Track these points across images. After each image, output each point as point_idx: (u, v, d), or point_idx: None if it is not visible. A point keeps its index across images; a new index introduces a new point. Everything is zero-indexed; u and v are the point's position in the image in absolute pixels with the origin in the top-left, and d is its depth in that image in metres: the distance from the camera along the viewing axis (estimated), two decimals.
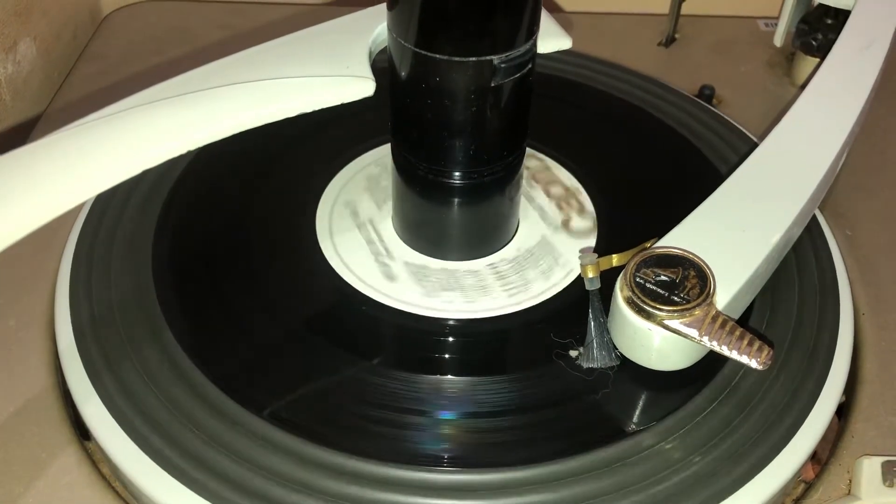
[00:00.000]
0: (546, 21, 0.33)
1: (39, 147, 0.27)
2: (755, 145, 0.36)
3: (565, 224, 0.37)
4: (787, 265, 0.35)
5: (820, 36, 0.46)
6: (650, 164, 0.40)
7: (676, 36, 0.52)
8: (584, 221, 0.37)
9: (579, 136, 0.42)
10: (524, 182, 0.36)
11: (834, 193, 0.40)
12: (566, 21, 0.50)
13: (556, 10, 0.53)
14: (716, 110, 0.44)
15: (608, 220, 0.37)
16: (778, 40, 0.49)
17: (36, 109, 0.45)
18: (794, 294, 0.34)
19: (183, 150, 0.27)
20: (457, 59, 0.28)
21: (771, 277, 0.33)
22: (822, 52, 0.46)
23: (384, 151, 0.39)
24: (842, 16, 0.44)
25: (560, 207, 0.37)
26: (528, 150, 0.34)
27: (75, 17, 0.51)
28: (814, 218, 0.37)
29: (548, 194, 0.38)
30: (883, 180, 0.42)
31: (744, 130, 0.42)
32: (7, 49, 0.43)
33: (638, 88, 0.45)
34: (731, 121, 0.43)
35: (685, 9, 0.51)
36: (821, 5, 0.45)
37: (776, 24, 0.48)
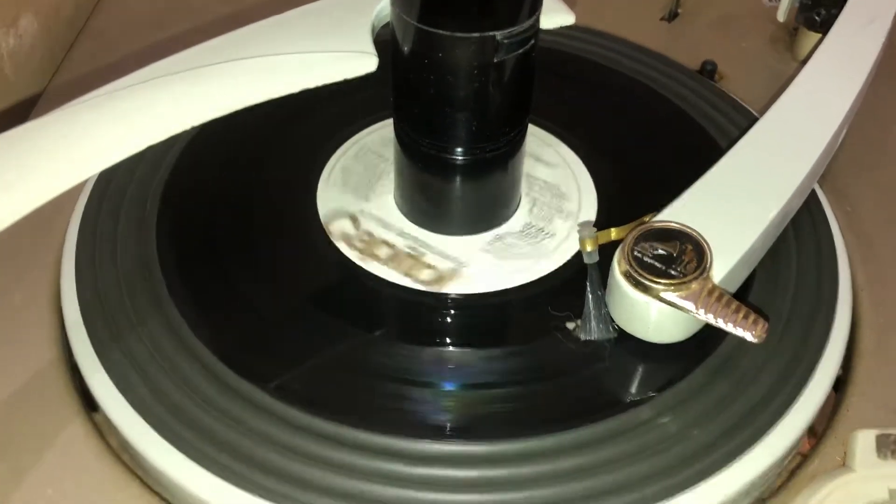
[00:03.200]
0: None
1: (42, 124, 0.27)
2: (756, 120, 0.36)
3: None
4: (786, 240, 0.35)
5: (823, 11, 0.46)
6: (651, 138, 0.41)
7: (679, 11, 0.52)
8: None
9: (580, 110, 0.42)
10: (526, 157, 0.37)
11: (834, 170, 0.41)
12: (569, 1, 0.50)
13: None
14: (717, 85, 0.44)
15: (607, 193, 0.37)
16: (781, 16, 0.48)
17: (38, 84, 0.45)
18: (792, 268, 0.35)
19: (186, 127, 0.28)
20: (460, 34, 0.28)
21: (769, 251, 0.34)
22: (824, 27, 0.45)
23: (384, 125, 0.40)
24: None
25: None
26: (529, 124, 0.35)
27: None
28: (813, 193, 0.37)
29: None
30: (884, 157, 0.42)
31: (745, 105, 0.42)
32: (9, 23, 0.44)
33: (639, 63, 0.45)
34: (733, 96, 0.43)
35: None
36: None
37: (779, 0, 0.48)
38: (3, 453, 0.30)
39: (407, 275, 0.34)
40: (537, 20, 0.30)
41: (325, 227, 0.35)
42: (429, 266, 0.34)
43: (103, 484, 0.29)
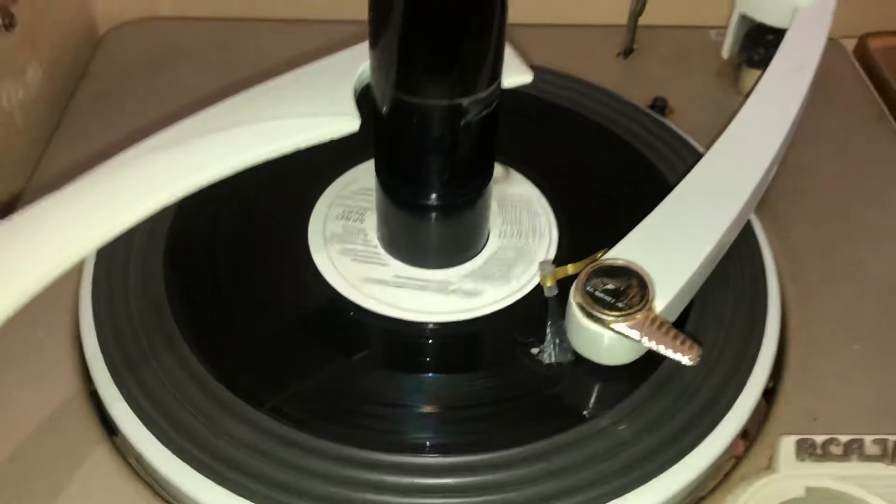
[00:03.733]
0: (509, 56, 0.37)
1: (47, 205, 0.31)
2: (700, 157, 0.41)
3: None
4: (724, 267, 0.40)
5: (762, 50, 0.51)
6: (605, 175, 0.45)
7: (634, 47, 0.56)
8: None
9: (540, 148, 0.46)
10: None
11: (771, 198, 0.45)
12: (529, 36, 0.54)
13: (521, 24, 0.57)
14: (666, 122, 0.48)
15: (567, 228, 0.42)
16: (725, 52, 0.53)
17: (44, 131, 0.49)
18: (728, 292, 0.39)
19: (187, 193, 0.32)
20: (431, 102, 0.33)
21: (709, 278, 0.38)
22: (762, 65, 0.50)
23: (366, 167, 0.44)
24: (780, 33, 0.48)
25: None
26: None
27: (74, 38, 0.55)
28: (749, 223, 0.42)
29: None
30: (815, 184, 0.47)
31: (691, 141, 0.47)
32: (17, 74, 0.47)
33: (594, 101, 0.49)
34: (680, 131, 0.48)
35: (644, 20, 0.56)
36: (762, 23, 0.50)
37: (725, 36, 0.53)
38: (36, 474, 0.34)
39: (390, 304, 0.38)
40: (499, 85, 0.34)
41: (315, 263, 0.39)
42: (407, 296, 0.38)
43: (125, 499, 0.34)
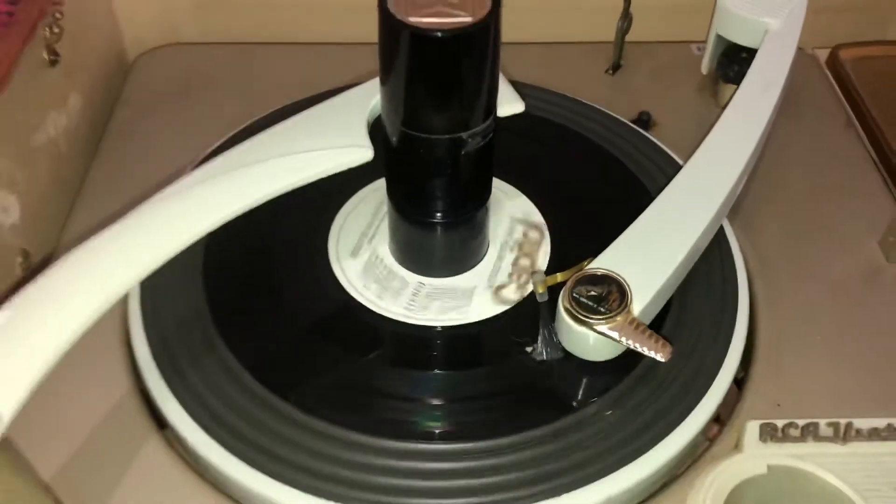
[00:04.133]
0: (503, 87, 0.42)
1: (106, 237, 0.35)
2: (679, 169, 0.46)
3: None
4: (698, 269, 0.44)
5: (736, 67, 0.55)
6: (593, 187, 0.50)
7: (622, 63, 0.61)
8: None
9: (534, 163, 0.51)
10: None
11: (743, 205, 0.50)
12: (524, 54, 0.58)
13: (516, 43, 0.62)
14: (649, 135, 0.53)
15: (558, 238, 0.46)
16: (704, 68, 0.58)
17: (85, 154, 0.54)
18: (703, 292, 0.44)
19: (227, 220, 0.37)
20: (434, 136, 0.38)
21: (686, 278, 0.43)
22: (737, 80, 0.54)
23: (377, 185, 0.48)
24: (753, 52, 0.53)
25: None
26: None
27: (107, 66, 0.60)
28: (722, 228, 0.47)
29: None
30: (783, 193, 0.52)
31: (671, 154, 0.52)
32: (60, 105, 0.52)
33: (583, 117, 0.54)
34: (662, 145, 0.52)
35: (630, 36, 0.60)
36: (736, 43, 0.55)
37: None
38: (97, 463, 0.39)
39: (400, 310, 0.43)
40: (494, 118, 0.39)
41: (334, 273, 0.44)
42: (416, 302, 0.43)
43: (175, 484, 0.39)
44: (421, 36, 0.34)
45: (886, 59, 0.62)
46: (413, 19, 0.34)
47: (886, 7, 0.67)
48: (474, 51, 0.35)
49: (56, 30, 0.50)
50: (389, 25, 0.35)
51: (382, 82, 0.38)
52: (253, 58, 0.61)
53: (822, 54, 0.63)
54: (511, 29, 0.57)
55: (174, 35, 0.64)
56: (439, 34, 0.34)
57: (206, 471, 0.39)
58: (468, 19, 0.34)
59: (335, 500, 0.36)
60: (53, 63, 0.50)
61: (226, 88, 0.59)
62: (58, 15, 0.50)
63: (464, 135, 0.38)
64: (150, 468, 0.39)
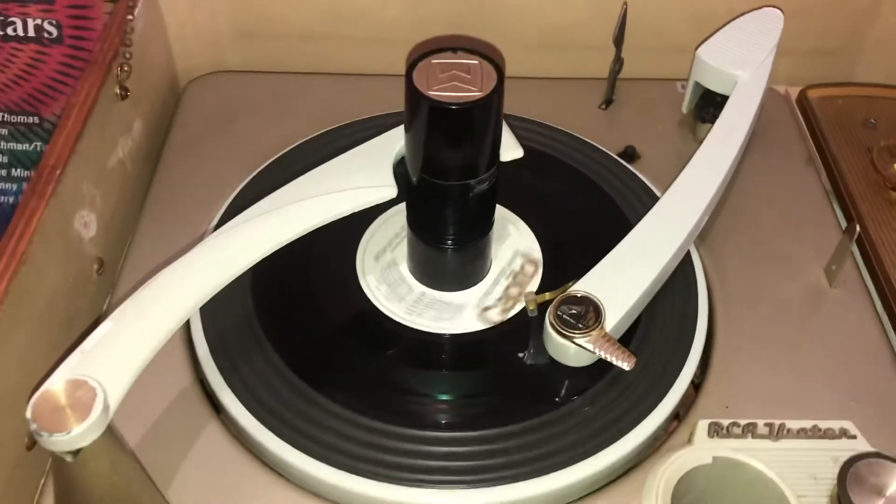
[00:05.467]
0: (505, 136, 0.50)
1: (178, 268, 0.44)
2: (657, 199, 0.54)
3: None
4: (666, 289, 0.52)
5: (711, 110, 0.63)
6: (581, 216, 0.58)
7: (613, 98, 0.69)
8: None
9: (530, 193, 0.59)
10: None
11: (711, 233, 0.58)
12: (524, 88, 0.66)
13: (516, 77, 0.69)
14: (632, 168, 0.61)
15: (550, 262, 0.55)
16: (684, 108, 0.66)
17: (146, 173, 0.62)
18: (668, 309, 0.52)
19: (272, 251, 0.46)
20: (447, 183, 0.46)
21: (655, 297, 0.51)
22: (712, 121, 0.62)
23: (397, 210, 0.57)
24: (726, 97, 0.61)
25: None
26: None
27: (162, 92, 0.68)
28: (689, 253, 0.55)
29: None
30: (746, 220, 0.59)
31: (651, 187, 0.60)
32: (127, 132, 0.61)
33: (574, 150, 0.62)
34: (643, 178, 0.60)
35: (622, 73, 0.68)
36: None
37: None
38: (163, 444, 0.47)
39: (417, 319, 0.52)
40: (497, 168, 0.48)
41: (362, 288, 0.53)
42: (429, 312, 0.52)
43: (229, 462, 0.47)
44: (438, 108, 0.42)
45: (848, 99, 0.70)
46: (432, 93, 0.43)
47: (854, 52, 0.75)
48: (481, 120, 0.44)
49: (126, 68, 0.59)
50: (413, 96, 0.43)
51: (406, 136, 0.46)
52: (292, 86, 0.69)
53: (796, 93, 0.71)
54: (515, 64, 0.66)
55: (219, 63, 0.72)
56: (454, 107, 0.42)
57: (253, 448, 0.47)
58: (477, 94, 0.43)
59: (349, 472, 0.45)
60: (124, 97, 0.59)
61: (267, 113, 0.67)
62: (127, 55, 0.59)
63: (472, 182, 0.46)
64: (208, 447, 0.47)
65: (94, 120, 0.54)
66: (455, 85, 0.43)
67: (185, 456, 0.47)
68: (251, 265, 0.45)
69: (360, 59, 0.71)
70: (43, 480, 0.48)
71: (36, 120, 0.67)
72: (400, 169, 0.50)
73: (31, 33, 0.64)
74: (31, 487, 0.47)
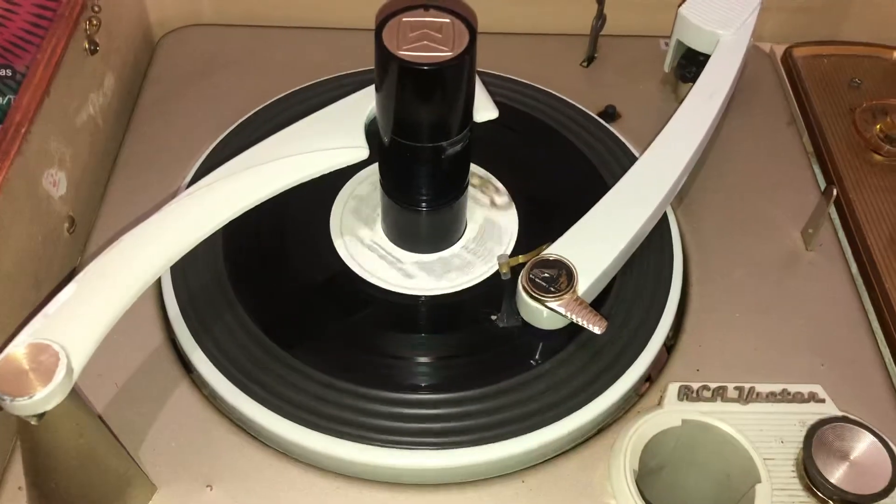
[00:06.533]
0: (479, 95, 0.49)
1: (148, 226, 0.43)
2: (635, 160, 0.53)
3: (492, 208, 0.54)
4: (642, 249, 0.52)
5: (693, 69, 0.62)
6: (557, 177, 0.58)
7: (596, 56, 0.68)
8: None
9: (505, 153, 0.58)
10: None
11: (690, 193, 0.58)
12: (504, 44, 0.65)
13: (497, 33, 0.68)
14: (611, 128, 0.61)
15: (524, 224, 0.54)
16: (666, 67, 0.65)
17: (118, 128, 0.61)
18: (644, 270, 0.52)
19: (246, 209, 0.45)
20: (419, 145, 0.45)
21: (630, 258, 0.51)
22: (693, 80, 0.62)
23: (372, 170, 0.56)
24: (708, 56, 0.60)
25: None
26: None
27: (135, 46, 0.67)
28: (666, 215, 0.54)
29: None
30: (723, 182, 0.59)
31: (630, 147, 0.59)
32: (99, 86, 0.60)
33: (554, 109, 0.61)
34: (622, 138, 0.60)
35: (605, 30, 0.67)
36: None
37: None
38: (135, 403, 0.47)
39: (390, 280, 0.51)
40: (471, 127, 0.47)
41: (336, 248, 0.53)
42: (403, 274, 0.52)
43: (199, 420, 0.47)
44: (408, 68, 0.42)
45: (835, 58, 0.69)
46: (402, 52, 0.42)
47: (840, 9, 0.73)
48: (452, 81, 0.43)
49: (95, 22, 0.57)
50: (382, 55, 0.42)
51: (377, 97, 0.46)
52: (268, 39, 0.68)
53: (781, 51, 0.70)
54: (494, 20, 0.65)
55: (195, 16, 0.71)
56: (424, 67, 0.41)
57: (223, 408, 0.48)
58: (449, 54, 0.42)
59: (317, 430, 0.45)
60: (93, 52, 0.57)
61: (243, 68, 0.66)
62: (96, 8, 0.57)
63: (444, 143, 0.46)
64: (179, 406, 0.47)
65: (61, 76, 0.53)
66: (426, 45, 0.42)
67: (156, 416, 0.47)
68: (219, 228, 0.45)
69: (337, 12, 0.70)
70: (14, 441, 0.48)
71: (9, 73, 0.66)
72: (373, 128, 0.49)
73: None
74: (2, 449, 0.47)
